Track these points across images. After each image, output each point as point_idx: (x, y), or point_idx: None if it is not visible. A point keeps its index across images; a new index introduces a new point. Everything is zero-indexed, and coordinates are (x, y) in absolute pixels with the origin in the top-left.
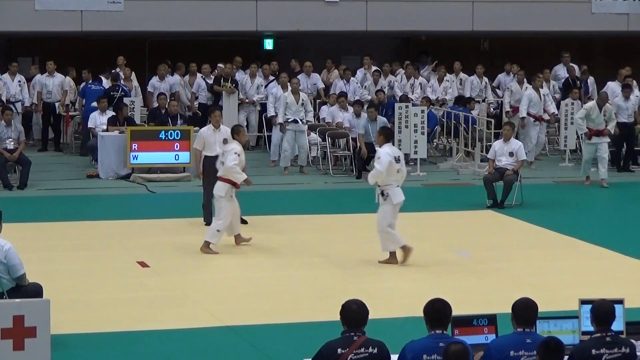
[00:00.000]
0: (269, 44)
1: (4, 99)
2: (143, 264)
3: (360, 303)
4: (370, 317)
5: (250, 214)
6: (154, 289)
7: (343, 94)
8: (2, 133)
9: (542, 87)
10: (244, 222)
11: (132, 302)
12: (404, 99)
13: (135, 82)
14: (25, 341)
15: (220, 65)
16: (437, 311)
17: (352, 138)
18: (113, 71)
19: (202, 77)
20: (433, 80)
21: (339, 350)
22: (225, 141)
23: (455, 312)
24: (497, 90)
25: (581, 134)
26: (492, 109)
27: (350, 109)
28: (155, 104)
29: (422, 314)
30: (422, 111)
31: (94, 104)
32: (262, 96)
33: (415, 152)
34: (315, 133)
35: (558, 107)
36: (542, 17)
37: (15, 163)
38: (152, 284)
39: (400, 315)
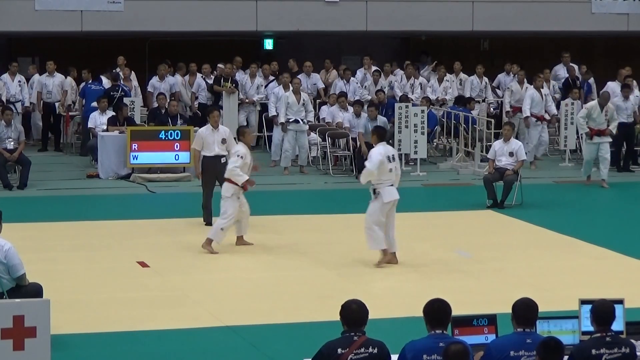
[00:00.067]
0: (269, 44)
1: (4, 99)
2: (143, 264)
3: (360, 303)
4: (370, 317)
5: (251, 214)
6: (154, 289)
7: (343, 94)
8: (2, 133)
9: (542, 87)
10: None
11: (132, 302)
12: (404, 99)
13: (135, 82)
14: (25, 341)
15: (220, 65)
16: (437, 311)
17: (352, 138)
18: (113, 71)
19: (202, 77)
20: (433, 80)
21: (339, 350)
22: (223, 141)
23: (455, 312)
24: (497, 90)
25: (582, 134)
26: (492, 109)
27: (350, 109)
28: (155, 104)
29: (422, 314)
30: (422, 111)
31: (94, 104)
32: (262, 96)
33: (415, 152)
34: (315, 133)
35: (558, 107)
36: (542, 17)
37: (15, 163)
38: (152, 284)
39: (400, 315)
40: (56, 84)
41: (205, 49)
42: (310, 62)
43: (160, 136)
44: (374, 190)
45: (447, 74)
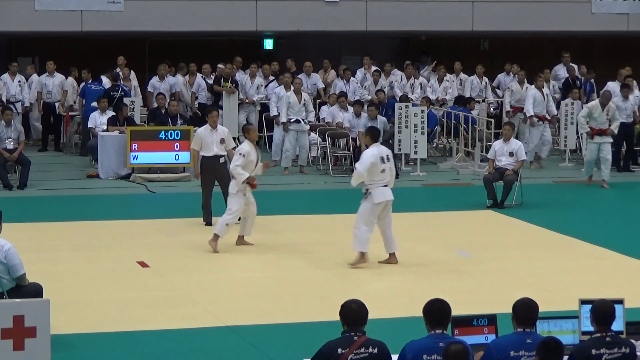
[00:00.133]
0: (269, 44)
1: (4, 99)
2: (143, 264)
3: (360, 303)
4: (370, 317)
5: None
6: (154, 289)
7: (343, 94)
8: (2, 133)
9: (543, 87)
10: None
11: (132, 302)
12: (404, 99)
13: (135, 82)
14: (25, 341)
15: (220, 65)
16: (436, 311)
17: (352, 138)
18: (113, 71)
19: (202, 77)
20: (433, 80)
21: (339, 350)
22: (222, 141)
23: (455, 312)
24: (497, 90)
25: (582, 133)
26: (492, 109)
27: (350, 109)
28: (155, 104)
29: (422, 314)
30: (422, 111)
31: (94, 104)
32: (262, 96)
33: (415, 152)
34: (315, 133)
35: (558, 107)
36: (542, 17)
37: (15, 163)
38: (152, 284)
39: (400, 315)
40: (56, 84)
41: (205, 49)
42: (310, 62)
43: (160, 136)
44: (366, 190)
45: (447, 74)
